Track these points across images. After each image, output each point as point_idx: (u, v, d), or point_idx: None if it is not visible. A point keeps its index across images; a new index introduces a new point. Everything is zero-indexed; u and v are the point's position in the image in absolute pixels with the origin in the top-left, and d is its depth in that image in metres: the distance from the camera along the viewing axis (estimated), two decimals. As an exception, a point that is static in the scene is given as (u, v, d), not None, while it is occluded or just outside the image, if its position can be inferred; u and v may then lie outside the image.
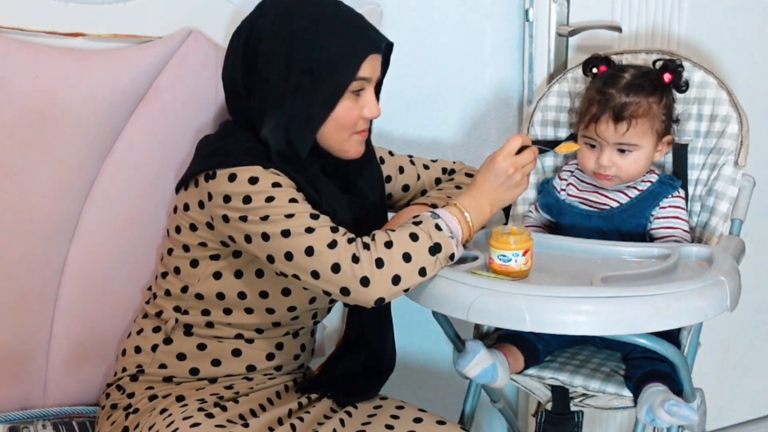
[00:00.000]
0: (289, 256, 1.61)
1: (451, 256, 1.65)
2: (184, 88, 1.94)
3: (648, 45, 2.31)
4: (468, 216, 1.70)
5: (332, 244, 1.59)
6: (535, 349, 1.92)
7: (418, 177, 2.00)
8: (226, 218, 1.66)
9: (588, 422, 2.11)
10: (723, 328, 2.47)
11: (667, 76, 1.91)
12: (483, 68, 2.35)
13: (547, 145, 1.96)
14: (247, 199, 1.63)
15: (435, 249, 1.62)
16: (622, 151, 1.89)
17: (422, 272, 1.62)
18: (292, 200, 1.64)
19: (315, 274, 1.60)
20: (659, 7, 2.33)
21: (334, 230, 1.62)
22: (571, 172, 2.02)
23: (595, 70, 1.96)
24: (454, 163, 2.06)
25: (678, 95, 1.98)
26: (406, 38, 2.23)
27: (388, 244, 1.60)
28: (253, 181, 1.65)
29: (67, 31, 1.86)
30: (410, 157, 2.03)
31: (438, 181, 2.01)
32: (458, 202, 1.71)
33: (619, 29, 2.29)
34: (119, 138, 1.93)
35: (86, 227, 1.93)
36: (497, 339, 1.95)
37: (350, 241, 1.61)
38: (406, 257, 1.60)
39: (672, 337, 1.85)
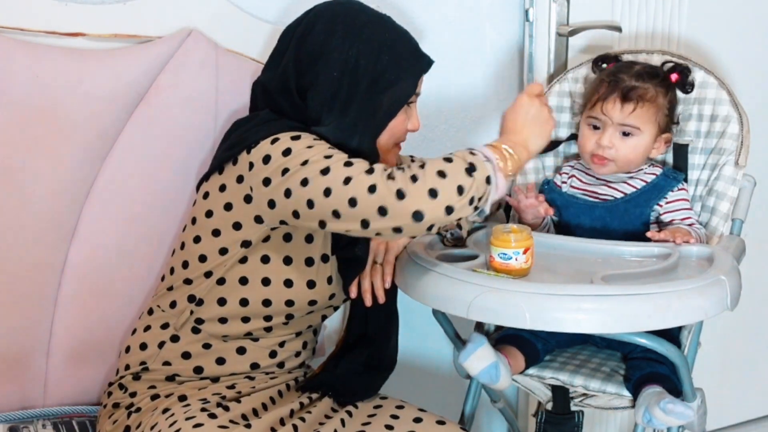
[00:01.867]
0: (327, 191, 1.59)
1: (488, 179, 1.59)
2: (184, 88, 1.95)
3: (648, 45, 2.32)
4: (506, 147, 1.66)
5: (369, 171, 1.59)
6: (535, 348, 1.92)
7: None
8: (267, 181, 1.65)
9: (588, 422, 2.11)
10: (723, 328, 2.47)
11: (674, 76, 1.96)
12: (483, 68, 2.35)
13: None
14: (287, 152, 1.64)
15: (470, 169, 1.58)
16: (624, 134, 1.91)
17: (460, 190, 1.56)
18: (331, 149, 1.65)
19: (352, 202, 1.58)
20: (659, 7, 2.33)
21: (370, 167, 1.61)
22: (572, 166, 2.04)
23: (604, 66, 2.01)
24: None
25: (679, 95, 1.99)
26: (406, 38, 2.24)
27: (422, 166, 1.58)
28: (295, 138, 1.66)
29: (67, 31, 1.86)
30: (411, 157, 2.05)
31: None
32: (492, 143, 1.68)
33: (619, 29, 2.29)
34: (119, 138, 1.93)
35: (86, 227, 1.93)
36: (496, 341, 1.95)
37: (385, 170, 1.60)
38: (441, 174, 1.56)
39: (672, 336, 1.86)
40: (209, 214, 1.77)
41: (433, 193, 1.55)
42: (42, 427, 1.89)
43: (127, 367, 1.84)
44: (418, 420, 1.79)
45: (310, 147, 1.64)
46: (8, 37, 1.80)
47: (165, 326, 1.83)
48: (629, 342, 1.78)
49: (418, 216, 1.55)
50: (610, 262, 1.79)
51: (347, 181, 1.58)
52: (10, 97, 1.80)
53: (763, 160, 2.26)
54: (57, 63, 1.83)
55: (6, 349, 1.90)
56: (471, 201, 1.58)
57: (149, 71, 1.91)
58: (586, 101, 1.99)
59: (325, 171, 1.60)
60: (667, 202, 1.93)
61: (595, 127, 1.95)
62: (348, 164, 1.60)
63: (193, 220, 1.80)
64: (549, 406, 2.06)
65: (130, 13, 1.90)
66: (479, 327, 2.04)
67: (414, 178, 1.56)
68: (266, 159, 1.66)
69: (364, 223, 1.58)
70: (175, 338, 1.81)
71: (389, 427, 1.76)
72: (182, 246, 1.82)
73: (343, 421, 1.76)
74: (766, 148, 2.33)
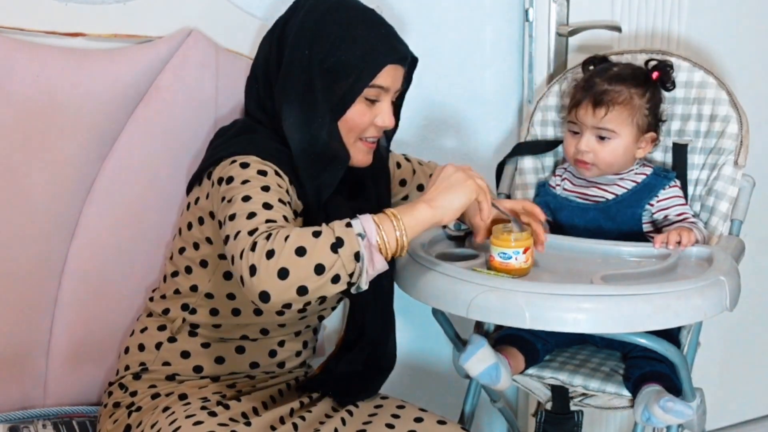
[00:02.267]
0: (226, 239, 1.55)
1: (356, 255, 1.49)
2: (184, 88, 1.95)
3: (648, 45, 2.32)
4: (395, 215, 1.55)
5: (252, 231, 1.51)
6: (535, 348, 1.92)
7: (414, 171, 2.02)
8: (222, 199, 1.65)
9: (588, 422, 2.11)
10: (723, 328, 2.47)
11: (654, 74, 1.95)
12: (483, 68, 2.35)
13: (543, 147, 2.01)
14: (229, 180, 1.63)
15: (337, 245, 1.48)
16: (601, 138, 1.92)
17: (319, 270, 1.46)
18: (264, 188, 1.60)
19: (232, 260, 1.52)
20: (659, 7, 2.33)
21: (270, 220, 1.54)
22: (565, 168, 2.05)
23: (592, 68, 2.01)
24: None
25: (678, 95, 2.00)
26: (406, 38, 2.22)
27: (287, 237, 1.48)
28: (244, 165, 1.65)
29: (67, 31, 1.86)
30: (405, 156, 2.05)
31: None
32: (389, 209, 1.58)
33: (618, 29, 2.29)
34: (119, 138, 1.93)
35: (86, 227, 1.93)
36: (496, 341, 1.95)
37: (270, 229, 1.52)
38: (300, 251, 1.46)
39: (672, 336, 1.85)
40: (189, 226, 1.78)
41: (283, 273, 1.46)
42: (42, 427, 1.89)
43: (127, 368, 1.84)
44: (418, 420, 1.79)
45: (245, 182, 1.60)
46: (8, 37, 1.80)
47: (162, 328, 1.83)
48: (629, 342, 1.78)
49: (264, 296, 1.47)
50: (609, 262, 1.79)
51: (236, 236, 1.53)
52: (10, 97, 1.80)
53: (763, 160, 2.26)
54: (57, 63, 1.83)
55: (6, 349, 1.90)
56: (336, 279, 1.48)
57: (149, 71, 1.91)
58: (567, 106, 2.00)
59: (232, 217, 1.56)
60: (659, 200, 1.92)
61: (575, 132, 1.95)
62: (251, 215, 1.54)
63: (179, 231, 1.81)
64: (548, 406, 2.06)
65: (130, 13, 1.90)
66: (479, 326, 2.04)
67: (270, 254, 1.46)
68: (219, 180, 1.66)
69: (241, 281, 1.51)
70: (172, 339, 1.82)
71: (390, 426, 1.76)
72: (171, 256, 1.84)
73: (343, 420, 1.76)
74: (766, 148, 2.33)
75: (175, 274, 1.82)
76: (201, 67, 1.95)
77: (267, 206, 1.57)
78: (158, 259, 2.00)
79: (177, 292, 1.81)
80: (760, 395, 2.84)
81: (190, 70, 1.94)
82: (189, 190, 1.81)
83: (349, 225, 1.51)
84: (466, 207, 1.62)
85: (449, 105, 2.34)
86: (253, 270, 1.46)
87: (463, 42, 2.31)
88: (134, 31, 1.92)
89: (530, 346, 1.92)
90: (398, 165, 2.01)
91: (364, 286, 1.53)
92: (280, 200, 1.60)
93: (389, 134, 1.93)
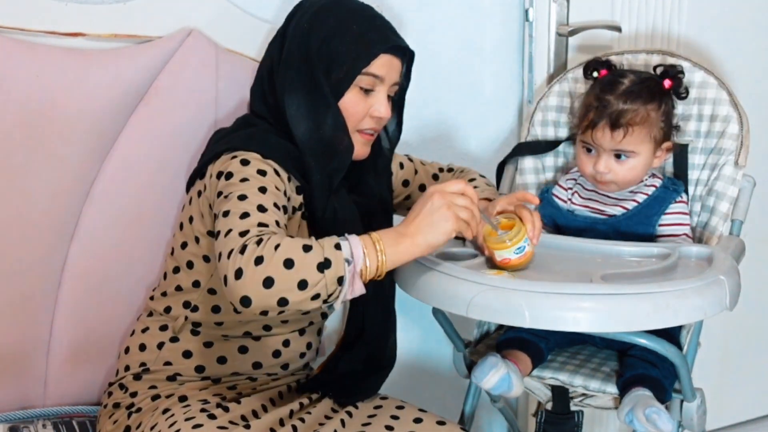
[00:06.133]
0: (217, 234, 1.56)
1: (339, 280, 1.50)
2: (184, 88, 1.95)
3: (648, 45, 2.31)
4: (380, 242, 1.56)
5: (244, 233, 1.52)
6: (538, 348, 1.92)
7: (416, 171, 2.02)
8: (219, 194, 1.66)
9: (588, 422, 2.11)
10: (723, 328, 2.47)
11: (667, 83, 1.91)
12: (483, 68, 2.35)
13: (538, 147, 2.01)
14: (228, 175, 1.64)
15: (324, 265, 1.49)
16: (618, 156, 1.89)
17: (302, 285, 1.48)
18: (261, 189, 1.61)
19: (219, 256, 1.53)
20: (659, 7, 2.33)
21: (262, 224, 1.55)
22: (575, 180, 2.02)
23: (595, 74, 1.96)
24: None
25: (676, 102, 1.98)
26: (406, 38, 2.23)
27: (277, 246, 1.49)
28: (245, 162, 1.66)
29: (67, 31, 1.86)
30: (408, 156, 2.05)
31: (435, 177, 2.02)
32: (377, 233, 1.58)
33: (618, 29, 2.29)
34: (119, 138, 1.93)
35: (86, 227, 1.94)
36: (498, 345, 1.95)
37: (261, 233, 1.53)
38: (288, 263, 1.47)
39: (672, 337, 1.85)
40: (191, 220, 1.78)
41: (268, 282, 1.47)
42: (42, 427, 1.89)
43: (127, 368, 1.84)
44: (418, 420, 1.79)
45: (244, 180, 1.62)
46: (8, 37, 1.80)
47: (163, 328, 1.83)
48: (629, 342, 1.78)
49: (245, 301, 1.48)
50: (609, 261, 1.79)
51: (227, 233, 1.54)
52: (10, 97, 1.80)
53: (763, 160, 2.26)
54: (57, 63, 1.83)
55: (6, 349, 1.90)
56: (315, 297, 1.49)
57: (149, 71, 1.91)
58: (578, 124, 1.95)
59: (226, 213, 1.57)
60: (666, 214, 1.91)
61: (589, 150, 1.93)
62: (244, 215, 1.56)
63: (181, 226, 1.81)
64: (549, 406, 2.06)
65: (130, 13, 1.90)
66: (478, 324, 2.04)
67: (258, 260, 1.47)
68: (218, 175, 1.67)
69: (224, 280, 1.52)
70: (174, 339, 1.82)
71: (389, 427, 1.76)
72: (172, 252, 1.84)
73: (343, 422, 1.76)
74: (766, 148, 2.33)
75: (176, 270, 1.82)
76: (201, 67, 1.95)
77: (261, 209, 1.58)
78: (158, 258, 2.00)
79: (179, 288, 1.81)
80: (760, 395, 2.84)
81: (190, 70, 1.94)
82: (190, 184, 1.81)
83: (338, 247, 1.52)
84: (446, 242, 1.62)
85: (449, 105, 2.34)
86: (239, 273, 1.47)
87: (463, 42, 2.31)
88: (134, 31, 1.92)
89: (534, 346, 1.92)
90: (401, 165, 2.01)
91: (336, 308, 1.55)
92: (275, 204, 1.61)
93: (393, 140, 1.93)
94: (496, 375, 1.81)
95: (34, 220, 1.87)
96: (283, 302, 1.49)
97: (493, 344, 2.02)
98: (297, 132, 1.73)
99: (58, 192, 1.89)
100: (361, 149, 1.79)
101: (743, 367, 2.77)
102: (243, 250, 1.49)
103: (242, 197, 1.59)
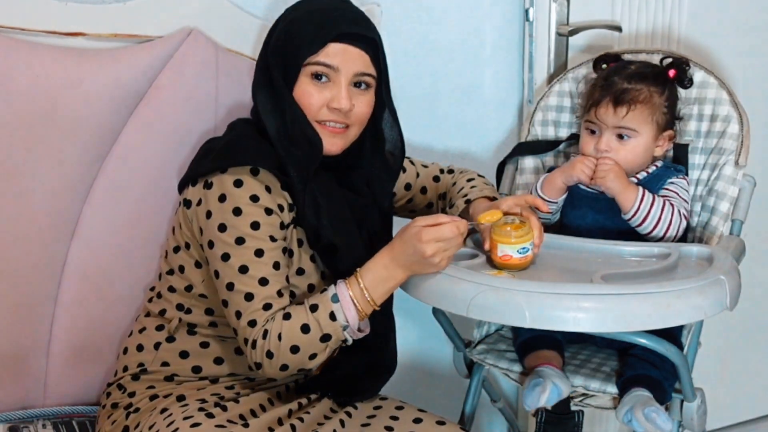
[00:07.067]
0: (225, 304, 1.70)
1: (344, 341, 1.70)
2: (184, 88, 1.95)
3: (648, 45, 2.32)
4: (368, 295, 1.68)
5: (252, 323, 1.66)
6: (558, 341, 1.92)
7: (417, 175, 2.01)
8: (211, 244, 1.69)
9: (588, 422, 2.11)
10: (723, 328, 2.46)
11: (671, 72, 1.94)
12: (483, 68, 2.35)
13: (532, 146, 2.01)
14: (222, 227, 1.68)
15: (325, 338, 1.66)
16: (620, 137, 1.90)
17: (313, 357, 1.67)
18: (258, 253, 1.67)
19: (235, 332, 1.70)
20: (659, 7, 2.33)
21: (266, 306, 1.66)
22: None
23: (605, 66, 2.00)
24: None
25: (679, 95, 1.98)
26: (406, 38, 2.24)
27: (279, 336, 1.64)
28: (238, 184, 1.68)
29: (67, 31, 1.86)
30: (410, 158, 2.04)
31: (436, 179, 2.01)
32: (365, 277, 1.68)
33: (619, 29, 2.29)
34: (119, 138, 1.93)
35: (86, 227, 1.93)
36: (520, 350, 1.94)
37: (265, 323, 1.66)
38: (294, 349, 1.65)
39: (673, 337, 1.85)
40: (181, 226, 1.78)
41: (284, 367, 1.67)
42: (42, 427, 1.89)
43: (125, 369, 1.84)
44: (417, 420, 1.79)
45: (237, 211, 1.68)
46: (9, 37, 1.80)
47: (160, 328, 1.83)
48: (630, 342, 1.78)
49: (273, 379, 1.77)
50: (609, 261, 1.79)
51: (236, 316, 1.68)
52: (11, 96, 1.80)
53: (763, 160, 2.26)
54: (57, 63, 1.83)
55: (6, 349, 1.90)
56: (329, 353, 1.70)
57: (149, 71, 1.91)
58: (583, 105, 1.98)
59: (230, 286, 1.68)
60: (665, 189, 1.91)
61: (593, 132, 1.94)
62: (248, 297, 1.67)
63: (173, 230, 1.81)
64: (549, 406, 2.06)
65: (130, 13, 1.91)
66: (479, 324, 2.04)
67: (269, 355, 1.65)
68: (208, 215, 1.70)
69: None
70: (170, 339, 1.81)
71: (389, 428, 1.76)
72: (166, 254, 1.84)
73: (342, 422, 1.76)
74: (766, 148, 2.33)
75: (170, 272, 1.82)
76: (201, 67, 1.95)
77: (263, 282, 1.66)
78: (158, 259, 2.00)
79: (172, 289, 1.81)
80: (760, 395, 2.84)
81: (190, 70, 1.94)
82: (182, 188, 1.80)
83: (333, 317, 1.66)
84: None
85: (449, 105, 2.34)
86: (258, 366, 1.67)
87: (463, 42, 2.31)
88: (134, 30, 1.92)
89: (555, 340, 1.91)
90: (403, 169, 2.00)
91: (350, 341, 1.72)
92: (275, 264, 1.68)
93: (391, 140, 1.89)
94: (545, 392, 1.80)
95: (34, 220, 1.87)
96: (304, 371, 1.71)
97: (494, 346, 2.03)
98: (269, 130, 1.73)
99: (58, 192, 1.89)
100: (328, 142, 1.75)
101: (743, 367, 2.77)
102: (254, 345, 1.66)
103: (243, 269, 1.66)
